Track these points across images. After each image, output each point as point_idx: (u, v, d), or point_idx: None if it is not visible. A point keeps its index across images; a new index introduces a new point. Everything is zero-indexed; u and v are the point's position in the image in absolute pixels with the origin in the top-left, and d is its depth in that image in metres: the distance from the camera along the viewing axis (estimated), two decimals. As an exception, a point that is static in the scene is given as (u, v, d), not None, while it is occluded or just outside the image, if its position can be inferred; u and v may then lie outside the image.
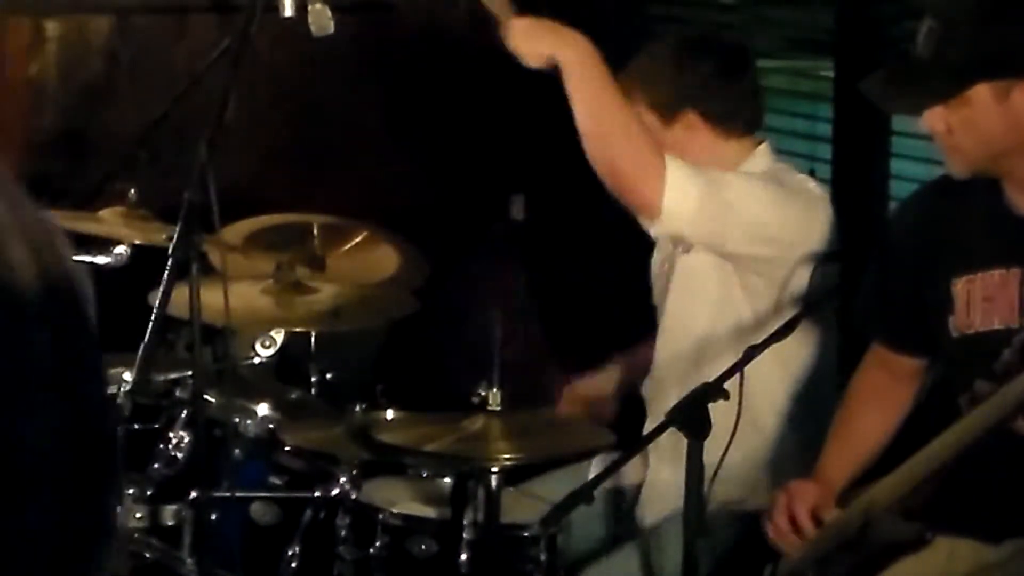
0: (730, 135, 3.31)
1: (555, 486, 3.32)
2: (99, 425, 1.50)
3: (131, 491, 3.14)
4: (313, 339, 3.88)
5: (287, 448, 3.42)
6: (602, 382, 3.67)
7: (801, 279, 3.23)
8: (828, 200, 3.34)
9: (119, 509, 1.59)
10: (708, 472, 2.75)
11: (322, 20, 3.68)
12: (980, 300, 2.72)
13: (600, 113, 3.09)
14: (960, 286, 2.74)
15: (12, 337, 1.47)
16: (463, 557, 3.10)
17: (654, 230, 3.17)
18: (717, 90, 3.31)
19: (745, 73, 3.38)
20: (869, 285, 2.97)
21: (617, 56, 3.56)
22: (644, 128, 3.16)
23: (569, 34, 3.12)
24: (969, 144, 2.66)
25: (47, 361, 1.45)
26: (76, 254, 1.67)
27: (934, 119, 2.67)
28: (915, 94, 2.70)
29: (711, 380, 2.79)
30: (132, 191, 3.99)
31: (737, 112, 3.33)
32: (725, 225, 3.13)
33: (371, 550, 3.19)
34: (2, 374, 1.41)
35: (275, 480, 3.43)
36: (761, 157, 3.34)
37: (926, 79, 2.66)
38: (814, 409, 3.28)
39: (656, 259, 3.49)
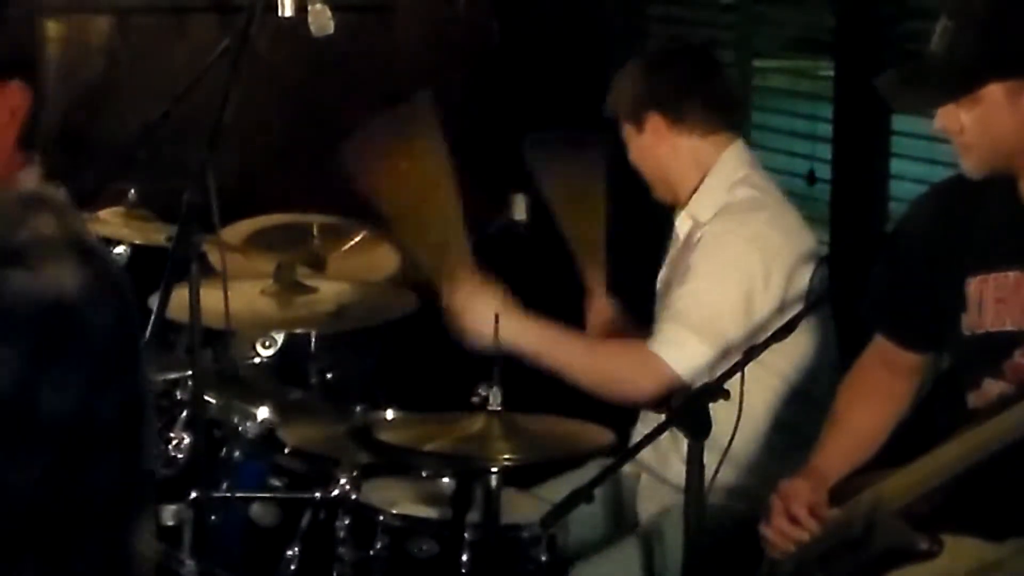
0: (692, 133, 3.41)
1: (555, 486, 3.32)
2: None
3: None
4: (313, 339, 3.88)
5: (287, 449, 3.42)
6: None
7: (794, 280, 3.24)
8: (790, 204, 3.45)
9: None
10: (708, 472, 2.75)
11: (322, 20, 3.69)
12: (992, 300, 2.72)
13: (575, 374, 3.29)
14: (973, 286, 2.74)
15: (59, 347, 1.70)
16: (464, 557, 3.10)
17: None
18: (674, 92, 3.42)
19: (706, 74, 3.49)
20: (879, 280, 2.96)
21: (617, 56, 3.57)
22: (615, 345, 3.42)
23: (511, 327, 3.16)
24: (981, 143, 2.66)
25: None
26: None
27: (947, 118, 2.67)
28: (928, 92, 2.70)
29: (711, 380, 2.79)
30: (132, 191, 3.99)
31: (699, 111, 3.42)
32: (736, 335, 3.23)
33: (371, 551, 3.19)
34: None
35: (275, 481, 3.43)
36: (731, 160, 3.41)
37: (939, 77, 2.66)
38: (811, 410, 3.29)
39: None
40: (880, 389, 3.01)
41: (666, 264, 3.52)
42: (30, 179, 1.96)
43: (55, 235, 1.86)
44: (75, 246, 1.87)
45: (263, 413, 3.49)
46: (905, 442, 2.96)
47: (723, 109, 3.46)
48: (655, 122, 3.40)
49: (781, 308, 3.22)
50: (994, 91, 2.62)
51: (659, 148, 3.41)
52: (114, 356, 1.78)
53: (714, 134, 3.41)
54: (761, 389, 3.24)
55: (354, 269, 4.04)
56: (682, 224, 3.43)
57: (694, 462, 2.63)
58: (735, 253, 3.28)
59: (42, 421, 1.76)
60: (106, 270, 1.87)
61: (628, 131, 3.45)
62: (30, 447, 1.77)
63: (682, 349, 3.24)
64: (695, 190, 3.40)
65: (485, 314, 3.16)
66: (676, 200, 3.45)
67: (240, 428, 3.45)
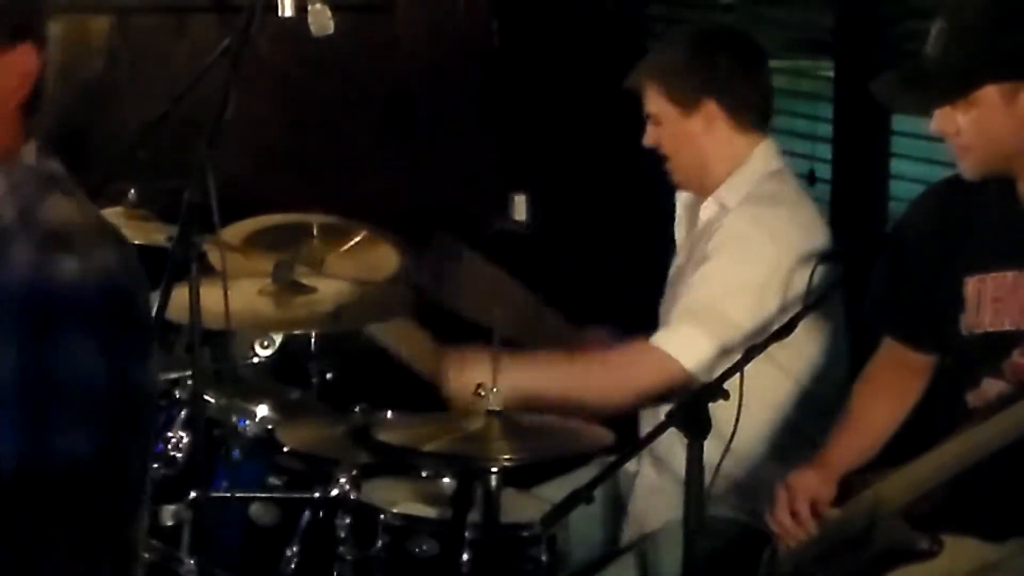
0: (744, 129, 3.37)
1: (555, 486, 3.32)
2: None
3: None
4: (313, 339, 3.87)
5: (286, 448, 3.42)
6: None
7: (801, 279, 3.23)
8: (814, 203, 3.42)
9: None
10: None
11: (322, 20, 3.68)
12: (990, 300, 2.72)
13: (584, 398, 3.23)
14: (971, 286, 2.75)
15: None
16: (464, 557, 3.10)
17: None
18: (737, 81, 3.36)
19: (761, 67, 3.43)
20: (880, 281, 2.97)
21: (617, 56, 3.57)
22: (617, 355, 3.34)
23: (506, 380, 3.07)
24: (978, 145, 2.66)
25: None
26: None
27: (943, 120, 2.67)
28: (923, 94, 2.70)
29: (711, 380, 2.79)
30: (132, 191, 3.99)
31: (753, 105, 3.38)
32: (747, 326, 3.20)
33: (371, 550, 3.19)
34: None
35: (274, 481, 3.43)
36: (764, 155, 3.39)
37: (934, 79, 2.66)
38: (816, 408, 3.29)
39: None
40: (893, 387, 3.02)
41: (680, 248, 3.50)
42: (29, 152, 1.94)
43: (83, 219, 1.87)
44: (102, 229, 1.88)
45: (262, 412, 3.49)
46: (905, 442, 2.96)
47: (767, 103, 3.42)
48: (711, 109, 3.33)
49: (787, 306, 3.21)
50: (990, 93, 2.62)
51: (704, 135, 3.34)
52: (150, 331, 1.82)
53: (754, 130, 3.38)
54: (766, 386, 3.23)
55: (354, 269, 4.04)
56: (706, 210, 3.38)
57: (694, 461, 2.63)
58: (753, 245, 3.25)
59: (140, 397, 1.78)
60: (130, 250, 1.89)
61: (667, 110, 3.36)
62: (141, 422, 1.80)
63: (689, 343, 3.22)
64: (721, 181, 3.36)
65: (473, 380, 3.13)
66: (700, 188, 3.41)
67: (239, 428, 3.45)
